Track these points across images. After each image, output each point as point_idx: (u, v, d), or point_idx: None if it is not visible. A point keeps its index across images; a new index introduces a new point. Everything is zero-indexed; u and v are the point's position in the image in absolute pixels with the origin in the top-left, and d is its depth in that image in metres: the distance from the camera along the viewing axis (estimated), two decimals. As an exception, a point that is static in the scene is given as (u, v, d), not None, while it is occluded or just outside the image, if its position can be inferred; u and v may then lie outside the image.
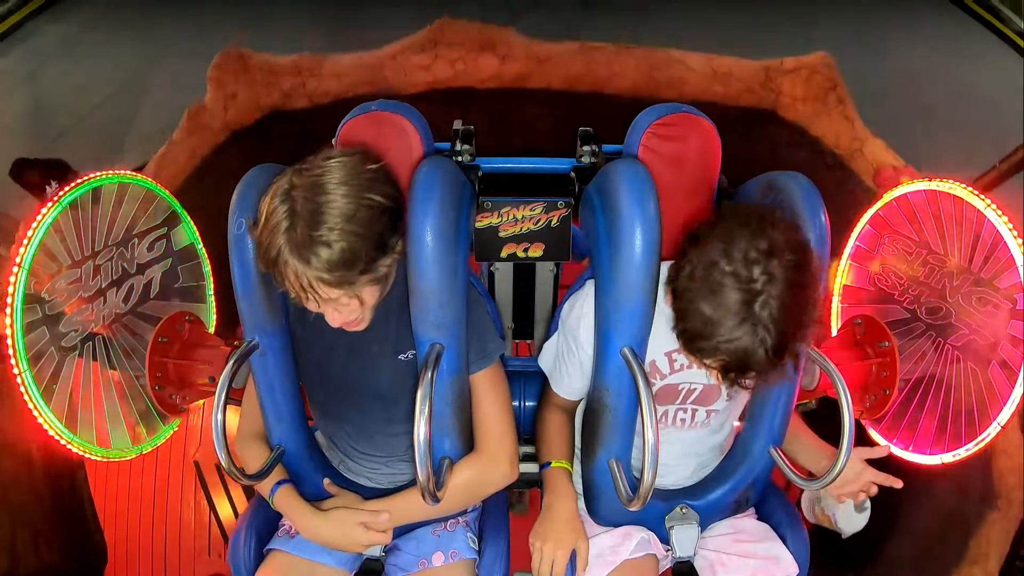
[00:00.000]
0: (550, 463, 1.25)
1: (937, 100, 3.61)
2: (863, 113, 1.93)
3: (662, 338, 1.12)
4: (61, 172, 3.03)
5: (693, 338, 0.97)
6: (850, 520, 1.29)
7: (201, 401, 1.44)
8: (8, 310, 1.16)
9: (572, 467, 1.27)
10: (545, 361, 1.31)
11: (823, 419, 1.32)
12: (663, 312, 1.09)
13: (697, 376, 1.17)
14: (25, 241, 1.19)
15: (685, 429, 1.23)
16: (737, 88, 1.95)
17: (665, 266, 1.09)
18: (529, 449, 1.41)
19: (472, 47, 1.93)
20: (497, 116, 1.44)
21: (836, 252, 1.55)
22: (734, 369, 0.96)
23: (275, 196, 0.96)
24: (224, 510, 1.98)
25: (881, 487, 1.19)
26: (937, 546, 1.52)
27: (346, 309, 1.02)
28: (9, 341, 1.16)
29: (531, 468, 1.36)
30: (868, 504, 1.31)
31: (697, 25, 3.92)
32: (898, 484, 1.21)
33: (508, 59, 1.95)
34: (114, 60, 3.79)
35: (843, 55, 1.98)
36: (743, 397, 1.26)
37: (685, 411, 1.21)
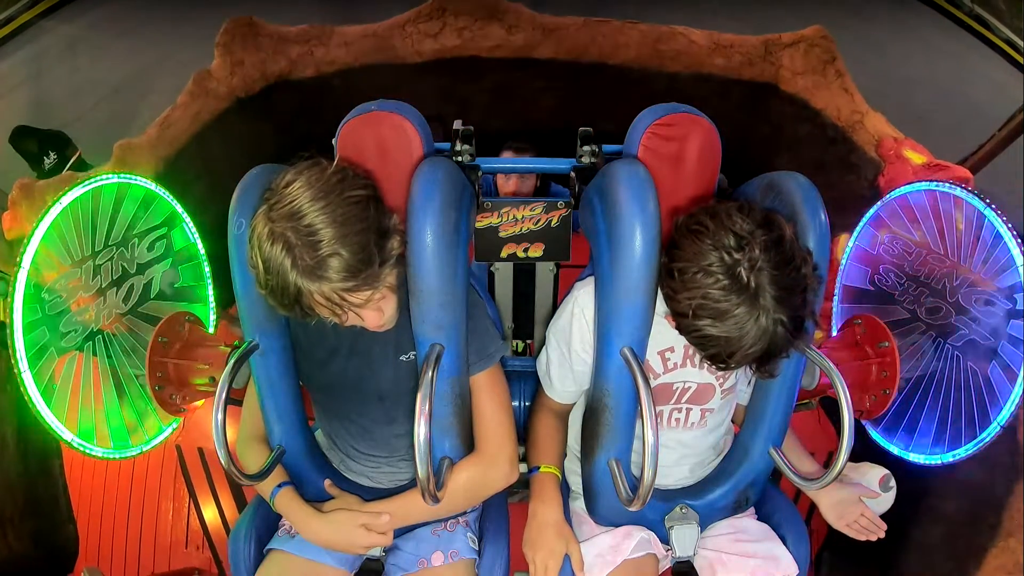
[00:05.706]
0: (539, 468, 1.24)
1: (927, 105, 3.63)
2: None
3: (655, 337, 1.12)
4: (60, 143, 3.02)
5: (724, 359, 0.96)
6: (876, 501, 1.28)
7: (200, 402, 1.44)
8: (9, 310, 1.16)
9: (560, 472, 1.26)
10: (539, 366, 1.31)
11: (823, 419, 1.30)
12: (655, 309, 1.09)
13: (691, 374, 1.17)
14: (26, 241, 1.19)
15: (680, 429, 1.23)
16: (738, 60, 1.97)
17: None
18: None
19: (479, 16, 1.93)
20: (501, 88, 1.42)
21: (842, 227, 1.54)
22: (767, 361, 0.96)
23: (262, 244, 0.93)
24: (205, 500, 1.89)
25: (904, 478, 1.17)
26: (968, 526, 1.48)
27: (384, 303, 1.02)
28: (10, 341, 1.17)
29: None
30: (893, 483, 1.30)
31: (701, 15, 3.95)
32: (880, 534, 1.25)
33: (514, 29, 1.96)
34: (117, 62, 3.81)
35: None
36: (737, 395, 1.26)
37: (680, 411, 1.21)
